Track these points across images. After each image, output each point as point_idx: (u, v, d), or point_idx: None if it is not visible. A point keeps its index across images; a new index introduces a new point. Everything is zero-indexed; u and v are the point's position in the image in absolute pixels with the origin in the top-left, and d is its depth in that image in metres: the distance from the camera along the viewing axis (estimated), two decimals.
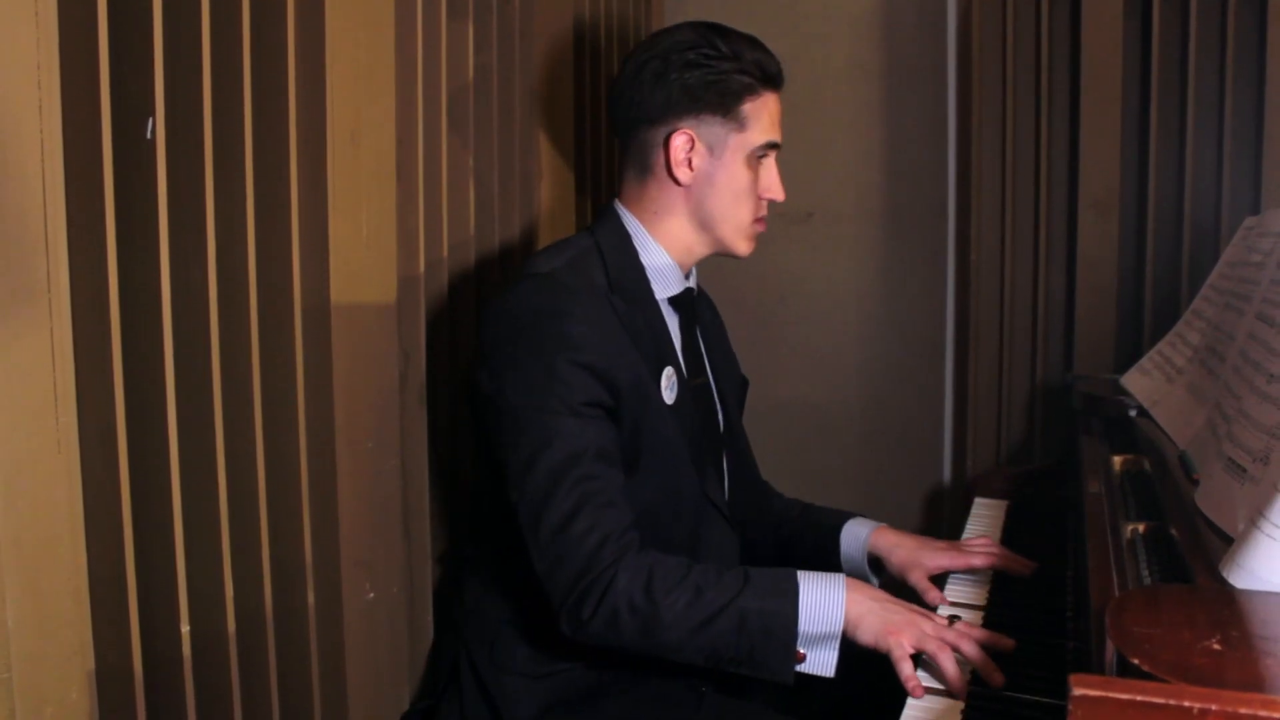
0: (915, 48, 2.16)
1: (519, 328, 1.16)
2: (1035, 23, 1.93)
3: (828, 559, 1.43)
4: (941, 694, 1.06)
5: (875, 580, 1.41)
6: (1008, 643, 1.09)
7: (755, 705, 1.27)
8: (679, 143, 1.25)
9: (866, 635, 1.09)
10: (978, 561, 1.33)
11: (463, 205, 1.49)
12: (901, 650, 1.07)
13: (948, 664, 1.06)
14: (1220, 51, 1.77)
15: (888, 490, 2.24)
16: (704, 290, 1.49)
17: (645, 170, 1.29)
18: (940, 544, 1.37)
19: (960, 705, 1.03)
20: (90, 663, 0.92)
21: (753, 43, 1.27)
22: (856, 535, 1.41)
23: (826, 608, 1.09)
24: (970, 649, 1.08)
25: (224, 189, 1.04)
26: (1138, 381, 1.59)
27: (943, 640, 1.08)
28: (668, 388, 1.24)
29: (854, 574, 1.40)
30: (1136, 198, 1.89)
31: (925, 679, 1.08)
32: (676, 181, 1.27)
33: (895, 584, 1.34)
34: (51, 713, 0.88)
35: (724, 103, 1.25)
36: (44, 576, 0.87)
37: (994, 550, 1.35)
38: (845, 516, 1.44)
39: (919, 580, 1.31)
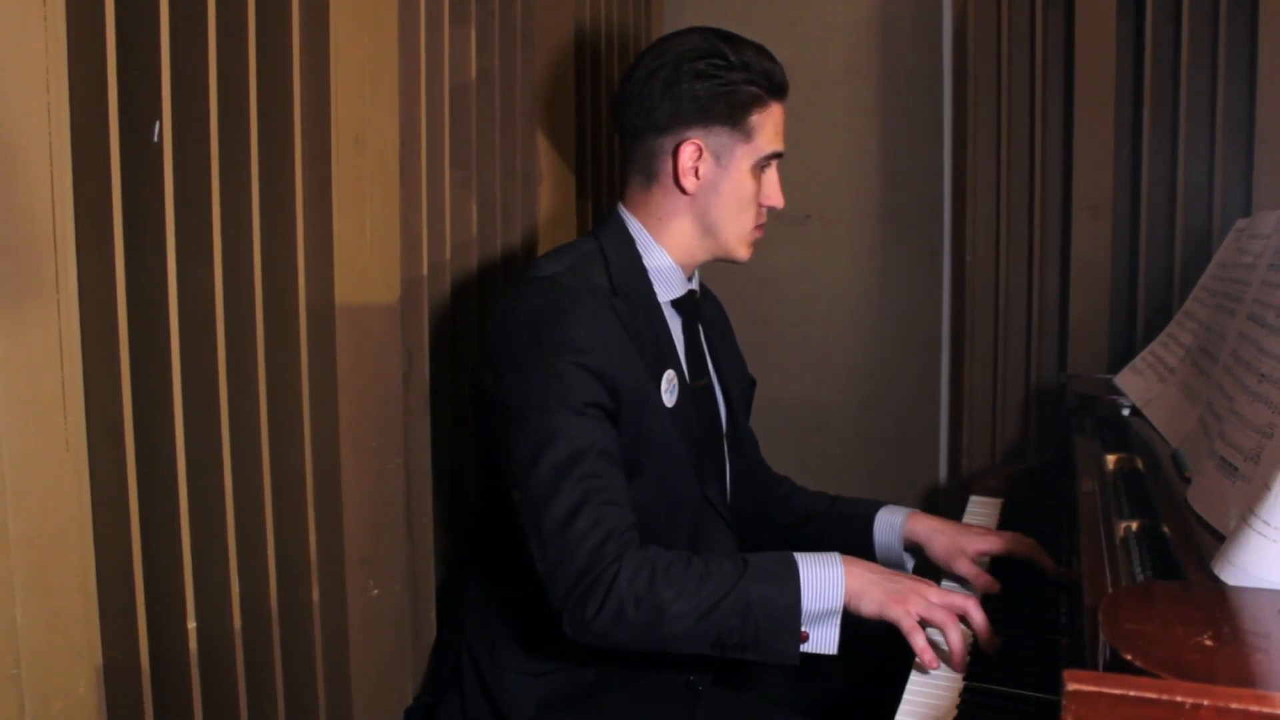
0: (911, 51, 2.18)
1: (523, 330, 1.17)
2: (1030, 27, 1.95)
3: (860, 549, 1.42)
4: (939, 685, 1.07)
5: (911, 563, 1.41)
6: (993, 642, 1.10)
7: (750, 699, 1.28)
8: (687, 152, 1.26)
9: (871, 606, 1.10)
10: (1015, 548, 1.32)
11: (465, 207, 1.50)
12: (910, 620, 1.08)
13: (954, 636, 1.08)
14: (1212, 55, 1.78)
15: (885, 489, 2.25)
16: (710, 291, 1.50)
17: (651, 177, 1.29)
18: (978, 529, 1.38)
19: (956, 700, 1.04)
20: (98, 658, 0.92)
21: (760, 51, 1.27)
22: (891, 523, 1.41)
23: (827, 584, 1.10)
24: (978, 616, 1.09)
25: (229, 191, 1.04)
26: (1131, 381, 1.61)
27: (949, 608, 1.09)
28: (668, 391, 1.25)
29: (888, 561, 1.41)
30: (1130, 200, 1.91)
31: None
32: (683, 190, 1.28)
33: (932, 569, 1.35)
34: (60, 708, 0.89)
35: (732, 114, 1.25)
36: (52, 573, 0.88)
37: (1025, 539, 1.34)
38: (875, 506, 1.44)
39: (967, 568, 1.31)
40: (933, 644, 1.09)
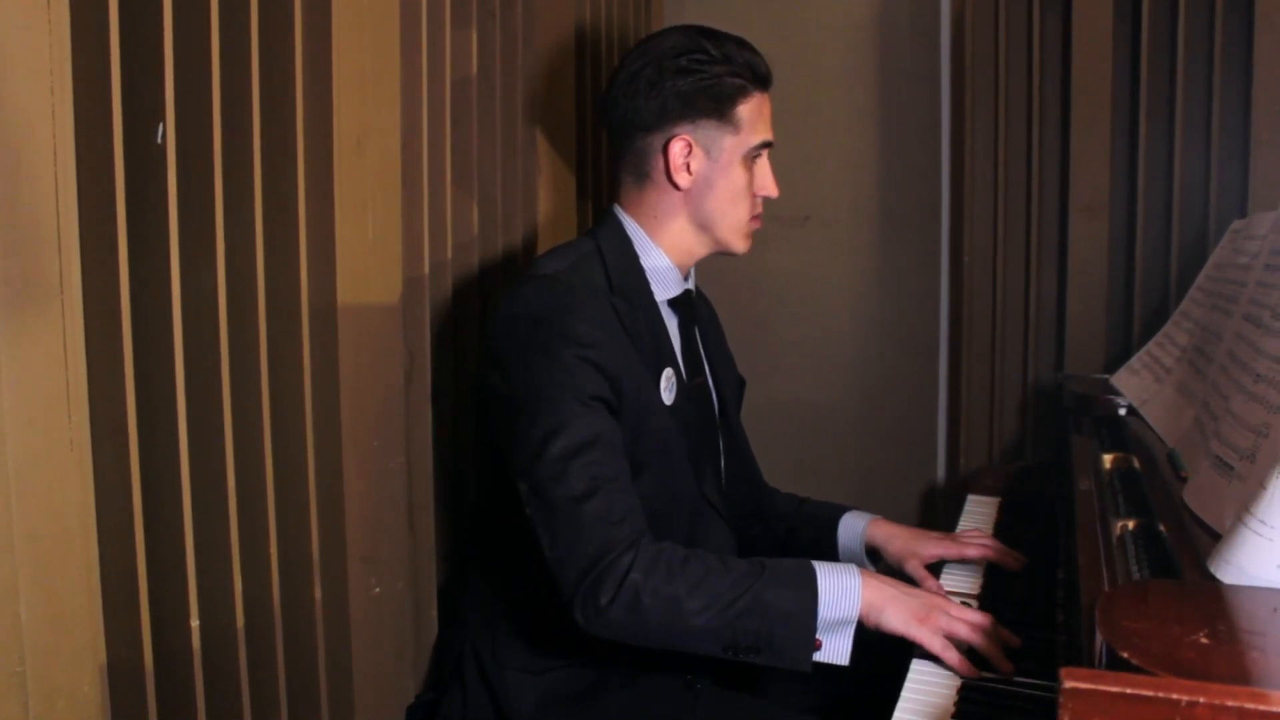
0: (909, 53, 2.18)
1: (526, 327, 1.17)
2: (1027, 29, 1.96)
3: (824, 552, 1.45)
4: (937, 683, 1.08)
5: (871, 569, 1.43)
6: (1014, 640, 1.11)
7: (749, 698, 1.29)
8: (677, 149, 1.27)
9: (894, 622, 1.10)
10: (971, 552, 1.36)
11: (466, 208, 1.50)
12: (940, 639, 1.09)
13: (985, 644, 1.09)
14: (1208, 57, 1.79)
15: (884, 488, 2.26)
16: (702, 291, 1.51)
17: (643, 176, 1.30)
18: (935, 534, 1.40)
19: (954, 698, 1.05)
20: (102, 656, 0.93)
21: (741, 44, 1.29)
22: (853, 527, 1.43)
23: (844, 594, 1.10)
24: (991, 630, 1.11)
25: (233, 192, 1.05)
26: (1128, 381, 1.62)
27: (969, 621, 1.11)
28: (666, 389, 1.26)
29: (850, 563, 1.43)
30: (1126, 201, 1.92)
31: (926, 667, 1.10)
32: (676, 186, 1.28)
33: (891, 573, 1.36)
34: (64, 706, 0.89)
35: (718, 107, 1.26)
36: (56, 572, 0.88)
37: (987, 543, 1.38)
38: (841, 510, 1.47)
39: (915, 569, 1.35)
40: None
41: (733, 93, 1.26)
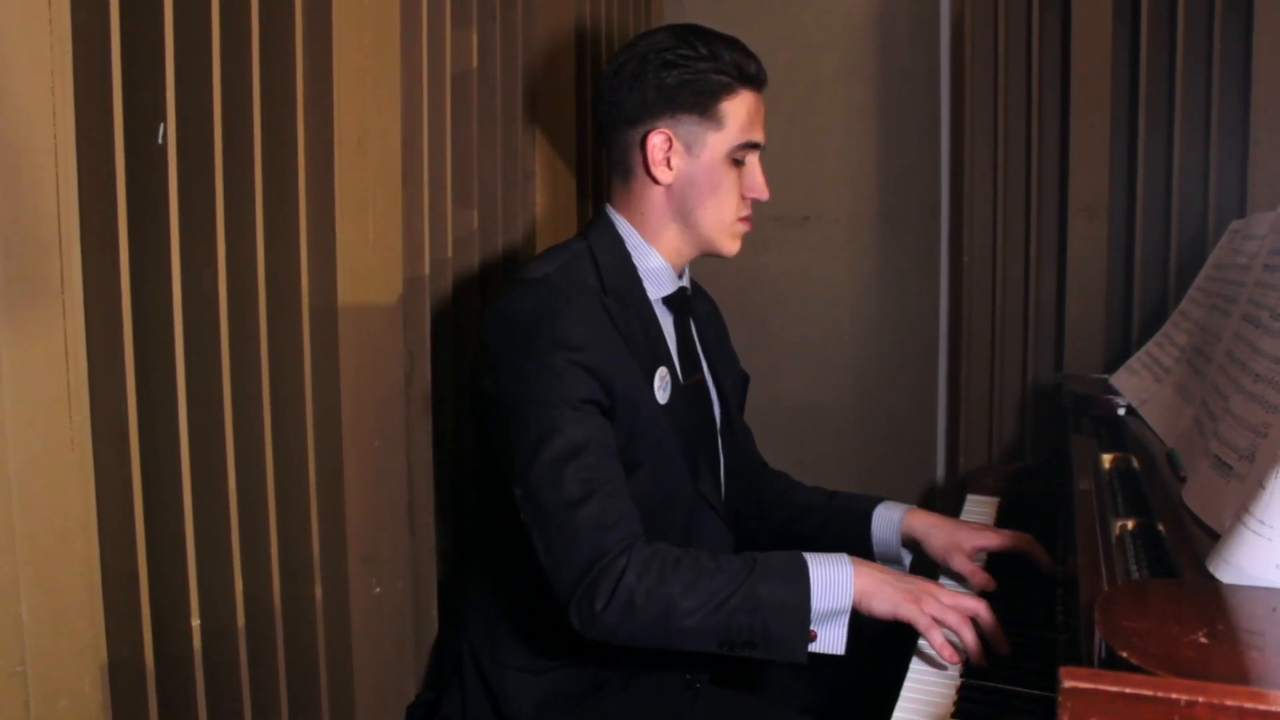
0: (909, 54, 2.19)
1: (516, 331, 1.17)
2: (1026, 29, 1.96)
3: (855, 545, 1.43)
4: (936, 683, 1.08)
5: (908, 559, 1.42)
6: (1003, 640, 1.11)
7: (748, 697, 1.29)
8: (656, 142, 1.26)
9: (884, 605, 1.10)
10: (1015, 542, 1.33)
11: (466, 208, 1.50)
12: (926, 619, 1.09)
13: (968, 635, 1.09)
14: (1207, 57, 1.79)
15: (883, 488, 2.23)
16: (702, 287, 1.50)
17: (628, 172, 1.30)
18: (975, 525, 1.38)
19: (954, 698, 1.05)
20: (103, 656, 0.93)
21: (731, 43, 1.27)
22: (889, 519, 1.41)
23: (836, 583, 1.10)
24: (989, 618, 1.10)
25: (233, 193, 1.05)
26: (1127, 381, 1.62)
27: (960, 609, 1.10)
28: (660, 388, 1.26)
29: (886, 557, 1.42)
30: (1125, 201, 1.92)
31: (925, 667, 1.10)
32: (656, 181, 1.27)
33: (928, 566, 1.35)
34: (65, 705, 0.89)
35: (700, 102, 1.25)
36: (58, 572, 0.88)
37: (1024, 535, 1.35)
38: (874, 501, 1.45)
39: (963, 564, 1.32)
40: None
41: (716, 89, 1.25)
